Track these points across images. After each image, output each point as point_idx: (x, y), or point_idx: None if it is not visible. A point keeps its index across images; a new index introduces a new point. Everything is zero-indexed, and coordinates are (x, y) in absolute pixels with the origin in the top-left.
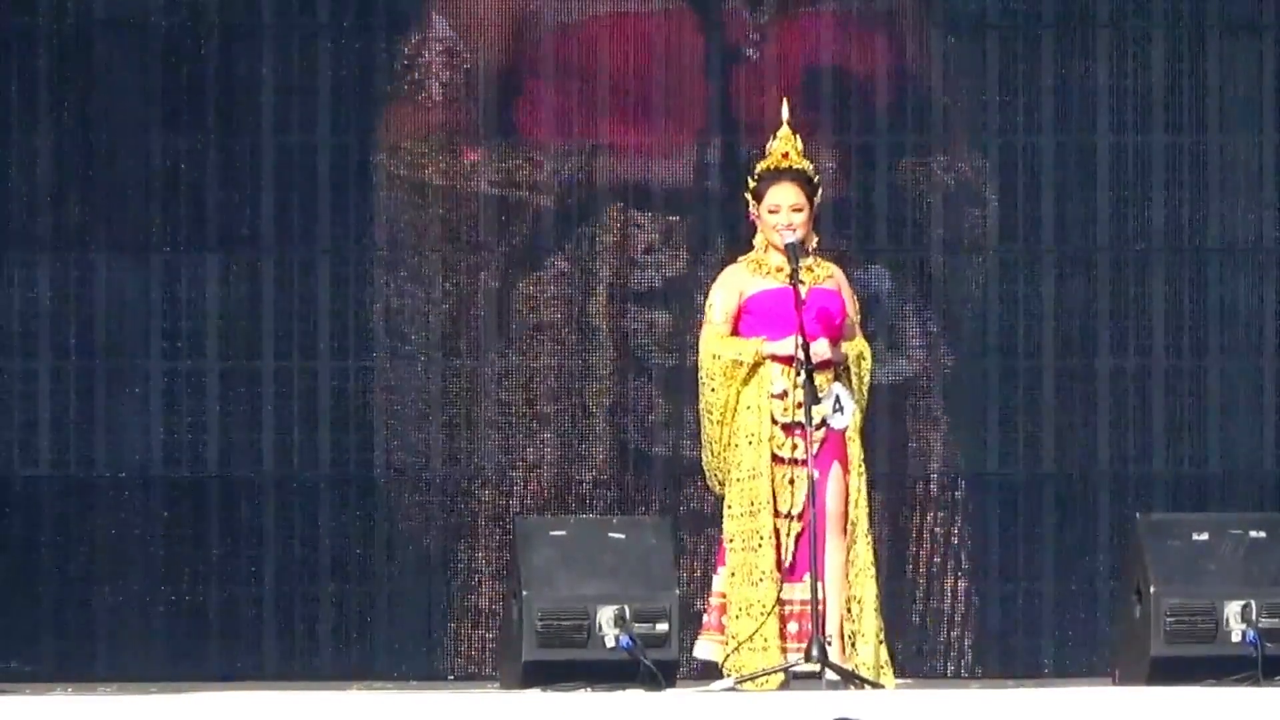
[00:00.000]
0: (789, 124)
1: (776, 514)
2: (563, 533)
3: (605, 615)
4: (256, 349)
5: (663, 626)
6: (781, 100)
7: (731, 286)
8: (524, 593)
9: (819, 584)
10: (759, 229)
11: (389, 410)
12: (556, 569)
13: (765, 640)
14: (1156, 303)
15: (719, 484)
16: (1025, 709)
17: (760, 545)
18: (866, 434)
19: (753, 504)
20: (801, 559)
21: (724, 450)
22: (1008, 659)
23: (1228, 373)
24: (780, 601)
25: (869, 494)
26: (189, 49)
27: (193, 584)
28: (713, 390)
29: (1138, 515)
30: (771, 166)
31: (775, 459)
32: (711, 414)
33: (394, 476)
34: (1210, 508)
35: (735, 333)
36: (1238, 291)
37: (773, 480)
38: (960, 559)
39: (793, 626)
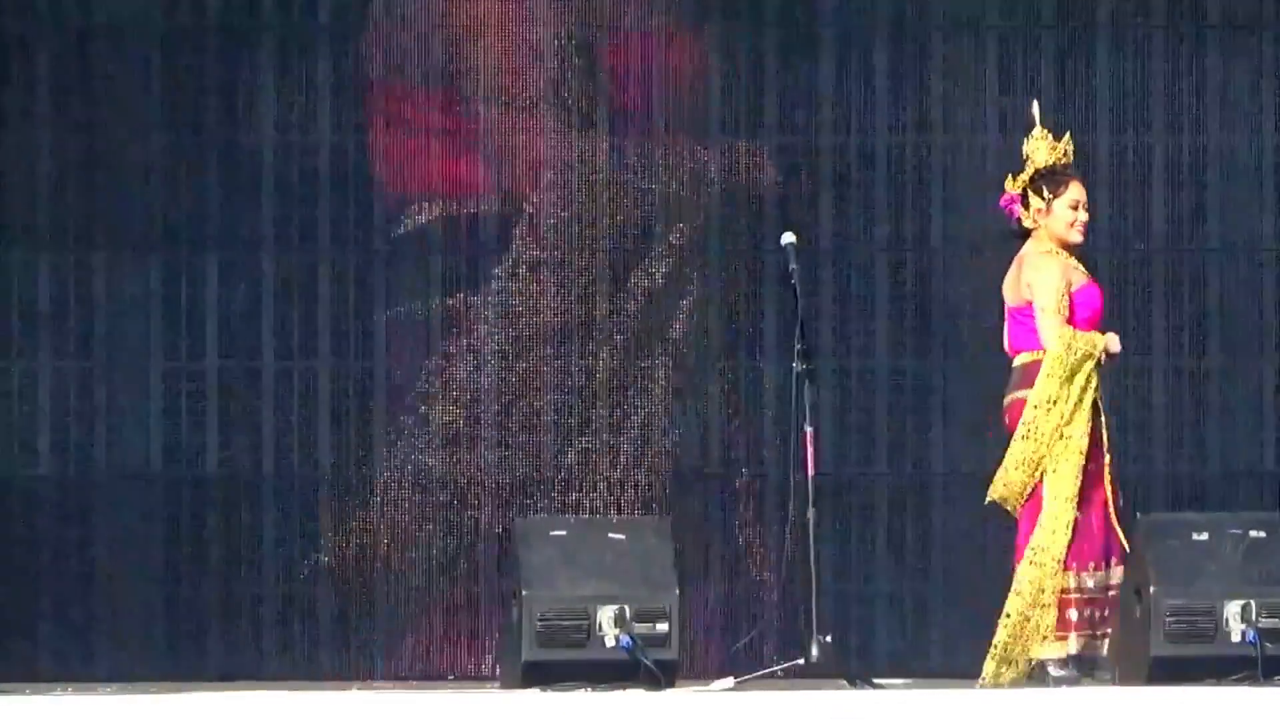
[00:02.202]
0: (1042, 124)
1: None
2: (563, 533)
3: (605, 615)
4: (256, 349)
5: (663, 626)
6: (1033, 101)
7: (1064, 277)
8: (524, 593)
9: (814, 580)
10: (1045, 222)
11: (388, 410)
12: (556, 569)
13: (1040, 628)
14: (1156, 303)
15: (1030, 475)
16: (1025, 709)
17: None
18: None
19: (1070, 495)
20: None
21: (1054, 440)
22: None
23: (1228, 373)
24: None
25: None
26: (189, 49)
27: (193, 584)
28: (1069, 381)
29: (1138, 515)
30: (1060, 162)
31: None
32: (1063, 404)
33: (394, 476)
34: (1210, 508)
35: None
36: (1238, 291)
37: (1084, 471)
38: (960, 558)
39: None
